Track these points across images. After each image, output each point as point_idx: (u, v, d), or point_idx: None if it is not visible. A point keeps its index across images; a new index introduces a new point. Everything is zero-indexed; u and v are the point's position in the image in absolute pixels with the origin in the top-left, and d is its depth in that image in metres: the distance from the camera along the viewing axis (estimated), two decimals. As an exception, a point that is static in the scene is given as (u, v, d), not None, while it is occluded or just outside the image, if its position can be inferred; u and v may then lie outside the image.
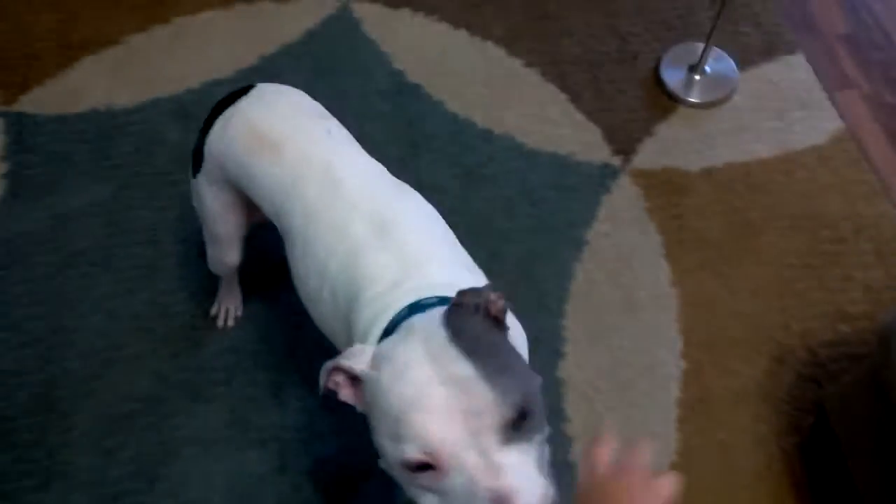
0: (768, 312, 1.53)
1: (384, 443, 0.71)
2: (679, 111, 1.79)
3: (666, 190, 1.68)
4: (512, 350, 0.78)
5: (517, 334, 0.96)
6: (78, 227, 1.65)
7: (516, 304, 1.51)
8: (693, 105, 1.78)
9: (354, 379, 0.77)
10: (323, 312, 1.02)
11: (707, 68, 1.80)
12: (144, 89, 1.84)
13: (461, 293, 0.77)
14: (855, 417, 1.31)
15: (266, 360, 1.49)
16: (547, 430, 0.73)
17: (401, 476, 0.71)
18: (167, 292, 1.57)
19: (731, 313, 1.54)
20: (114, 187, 1.70)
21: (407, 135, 1.76)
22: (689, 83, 1.79)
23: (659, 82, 1.81)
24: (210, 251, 1.36)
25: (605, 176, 1.70)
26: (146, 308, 1.55)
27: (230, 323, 1.54)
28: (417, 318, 0.81)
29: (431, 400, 0.68)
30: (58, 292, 1.57)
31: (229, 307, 1.54)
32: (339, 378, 0.78)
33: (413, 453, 0.67)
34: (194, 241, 1.62)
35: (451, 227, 1.68)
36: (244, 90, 1.20)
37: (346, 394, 0.78)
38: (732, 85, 1.80)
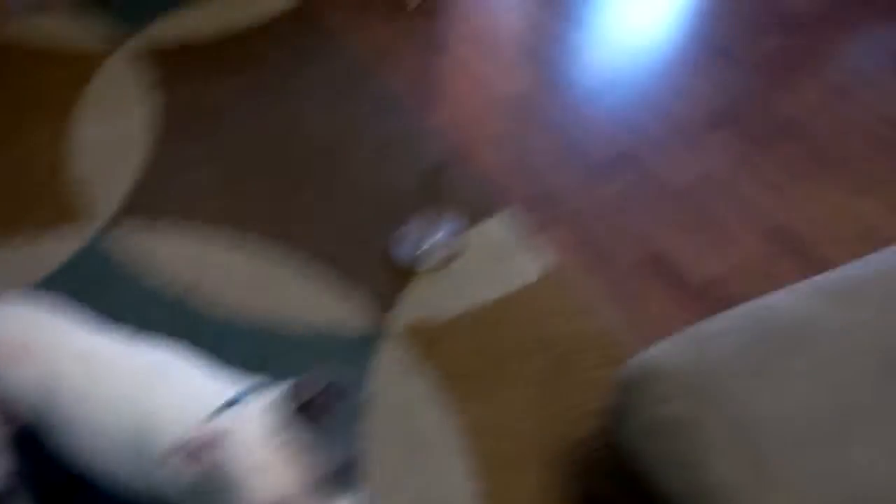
0: (535, 427, 1.80)
1: None
2: (420, 276, 2.10)
3: (425, 341, 1.94)
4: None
5: None
6: None
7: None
8: (428, 269, 2.11)
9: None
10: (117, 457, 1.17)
11: (431, 238, 2.14)
12: None
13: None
14: (618, 496, 1.57)
15: None
16: None
17: None
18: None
19: (507, 433, 1.78)
20: None
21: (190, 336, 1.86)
22: (419, 255, 2.12)
23: (392, 259, 2.13)
24: None
25: (370, 340, 1.93)
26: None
27: None
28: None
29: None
30: None
31: None
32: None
33: None
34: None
35: None
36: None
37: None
38: (455, 247, 2.16)
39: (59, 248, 2.04)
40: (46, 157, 2.28)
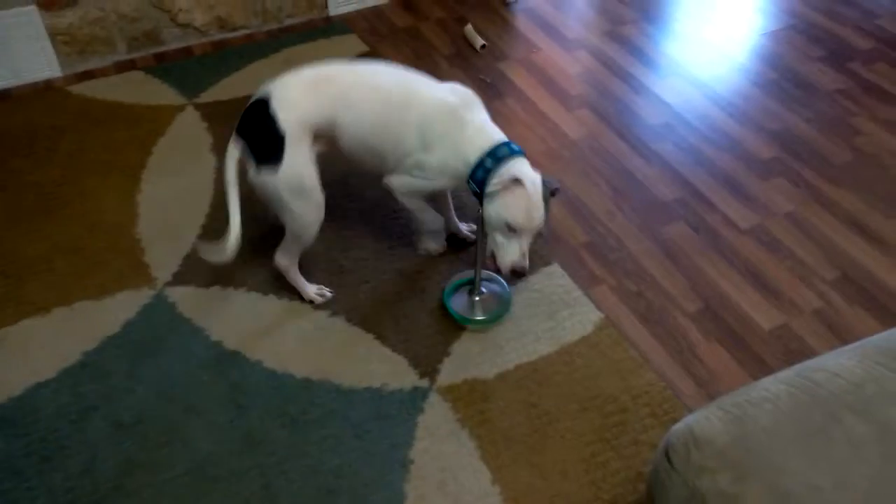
0: (580, 489, 1.73)
1: (500, 215, 1.84)
2: (468, 329, 2.07)
3: (471, 399, 1.90)
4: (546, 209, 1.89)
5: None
6: None
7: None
8: (478, 322, 2.08)
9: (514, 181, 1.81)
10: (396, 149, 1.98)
11: (483, 289, 2.12)
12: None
13: (547, 181, 1.90)
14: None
15: None
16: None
17: (497, 230, 1.88)
18: None
19: (549, 498, 1.72)
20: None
21: (231, 397, 1.90)
22: (470, 305, 2.10)
23: (445, 309, 2.11)
24: (307, 216, 1.95)
25: (416, 398, 1.91)
26: None
27: (328, 295, 2.14)
28: (522, 165, 1.89)
29: (524, 208, 1.83)
30: None
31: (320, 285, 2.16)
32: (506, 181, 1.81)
33: (512, 220, 1.83)
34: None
35: (281, 475, 1.83)
36: (255, 104, 1.93)
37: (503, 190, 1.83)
38: (506, 299, 2.13)
39: (119, 308, 2.12)
40: (113, 217, 2.39)
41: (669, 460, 1.26)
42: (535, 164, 1.93)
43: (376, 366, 1.98)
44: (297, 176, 1.88)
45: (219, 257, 1.91)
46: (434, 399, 1.90)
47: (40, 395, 1.91)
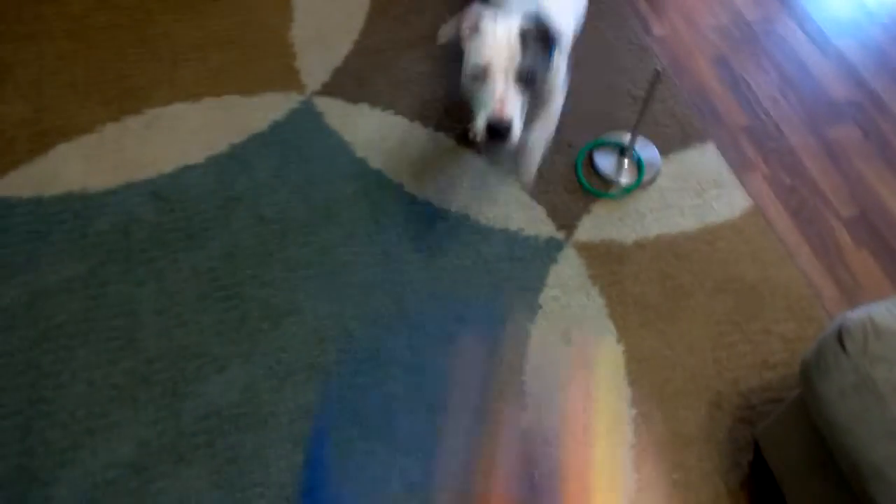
0: (704, 364, 1.72)
1: (469, 63, 1.50)
2: (613, 193, 2.02)
3: (606, 260, 1.88)
4: (545, 59, 1.55)
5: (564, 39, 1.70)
6: (55, 302, 1.70)
7: (480, 361, 1.68)
8: (622, 188, 2.02)
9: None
10: None
11: (632, 156, 2.05)
12: (119, 173, 1.94)
13: (540, 22, 1.51)
14: (784, 450, 1.48)
15: (246, 423, 1.56)
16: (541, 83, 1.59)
17: (469, 84, 1.52)
18: (146, 361, 1.63)
19: (672, 366, 1.71)
20: (90, 264, 1.77)
21: (371, 214, 1.92)
22: (619, 167, 2.04)
23: (593, 167, 2.05)
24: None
25: (550, 248, 1.89)
26: (126, 377, 1.60)
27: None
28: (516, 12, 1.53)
29: (497, 46, 1.45)
30: (36, 365, 1.60)
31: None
32: (468, 26, 1.51)
33: (479, 62, 1.46)
34: (174, 311, 1.70)
35: (413, 293, 1.86)
36: None
37: (467, 33, 1.51)
38: (657, 169, 2.05)
39: (268, 108, 2.12)
40: (269, 19, 2.36)
41: (842, 344, 1.22)
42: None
43: (515, 211, 1.96)
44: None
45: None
46: (569, 252, 1.89)
47: (189, 176, 1.96)
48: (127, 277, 1.75)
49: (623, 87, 2.26)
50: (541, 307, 1.78)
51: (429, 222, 1.92)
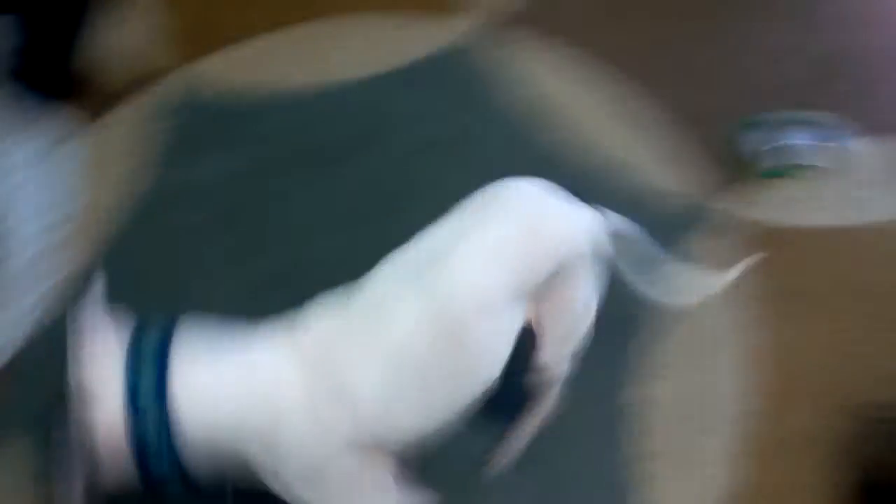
0: (843, 367, 1.65)
1: None
2: (776, 175, 1.94)
3: (763, 242, 1.80)
4: None
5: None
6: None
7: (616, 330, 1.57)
8: (813, 168, 1.93)
9: None
10: None
11: (799, 138, 1.95)
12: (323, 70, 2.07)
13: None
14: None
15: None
16: None
17: None
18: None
19: (807, 363, 1.66)
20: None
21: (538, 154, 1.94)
22: (774, 151, 1.94)
23: (743, 145, 1.96)
24: None
25: (687, 221, 1.85)
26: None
27: None
28: None
29: None
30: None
31: None
32: None
33: None
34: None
35: None
36: None
37: None
38: (848, 155, 1.95)
39: (432, 36, 2.16)
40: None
41: None
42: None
43: (674, 175, 1.92)
44: None
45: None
46: (707, 230, 1.84)
47: (352, 92, 2.04)
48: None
49: (795, 65, 2.14)
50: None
51: (589, 170, 1.91)
